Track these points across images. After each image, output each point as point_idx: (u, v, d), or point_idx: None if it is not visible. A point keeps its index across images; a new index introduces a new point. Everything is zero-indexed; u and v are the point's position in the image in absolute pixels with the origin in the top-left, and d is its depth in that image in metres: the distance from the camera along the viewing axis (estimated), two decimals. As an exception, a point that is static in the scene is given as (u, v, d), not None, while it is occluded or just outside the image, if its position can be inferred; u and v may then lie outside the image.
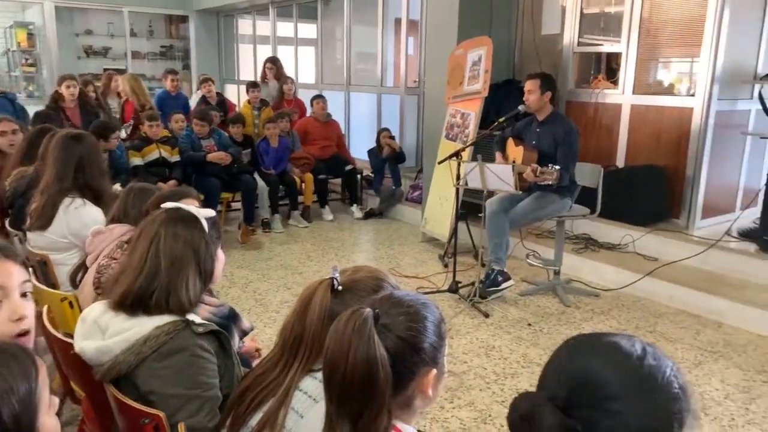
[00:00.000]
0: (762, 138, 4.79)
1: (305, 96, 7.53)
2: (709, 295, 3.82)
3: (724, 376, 3.09)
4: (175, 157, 5.42)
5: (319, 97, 6.56)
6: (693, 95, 4.58)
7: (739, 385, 3.00)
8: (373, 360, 0.98)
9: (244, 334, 1.81)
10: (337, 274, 1.24)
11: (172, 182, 5.15)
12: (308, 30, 8.71)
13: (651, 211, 4.71)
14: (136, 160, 5.25)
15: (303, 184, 6.06)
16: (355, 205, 6.41)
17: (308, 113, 7.22)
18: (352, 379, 0.98)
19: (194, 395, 1.38)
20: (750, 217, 4.56)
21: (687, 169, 4.63)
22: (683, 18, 4.63)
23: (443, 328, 1.11)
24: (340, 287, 1.23)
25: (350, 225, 6.13)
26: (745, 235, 4.38)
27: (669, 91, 4.93)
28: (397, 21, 7.27)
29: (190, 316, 1.44)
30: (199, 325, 1.42)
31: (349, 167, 6.48)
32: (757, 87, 4.64)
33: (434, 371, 1.07)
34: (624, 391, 0.82)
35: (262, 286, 4.33)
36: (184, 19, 10.35)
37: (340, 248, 5.32)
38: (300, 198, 6.09)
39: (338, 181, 6.77)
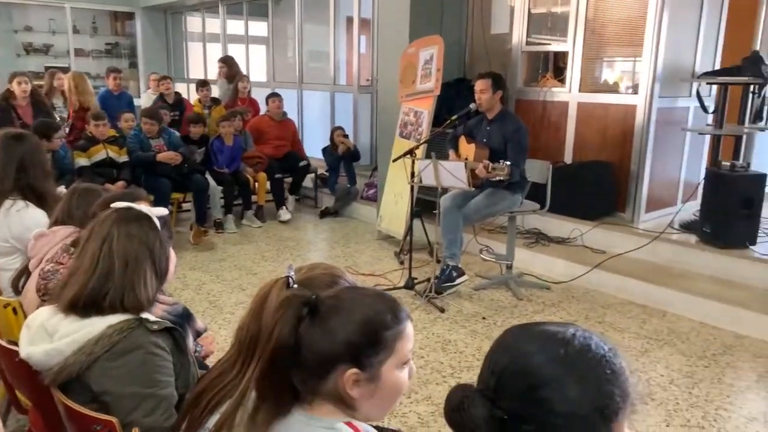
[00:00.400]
0: (700, 134, 5.01)
1: (257, 94, 7.45)
2: (654, 286, 3.97)
3: (669, 362, 3.22)
4: (124, 158, 5.28)
5: (275, 95, 6.49)
6: (636, 93, 4.74)
7: (682, 370, 3.13)
8: (290, 344, 1.04)
9: (197, 334, 1.79)
10: (293, 273, 1.24)
11: (120, 183, 5.01)
12: (259, 28, 8.62)
13: (598, 206, 4.86)
14: (82, 161, 5.08)
15: (256, 184, 6.00)
16: (283, 207, 6.11)
17: (262, 112, 7.16)
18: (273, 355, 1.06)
19: (149, 394, 1.35)
20: (690, 210, 4.76)
21: (631, 165, 4.79)
22: (625, 18, 4.79)
23: (384, 335, 1.05)
24: (295, 285, 1.23)
25: (305, 224, 6.10)
26: (686, 227, 4.57)
27: (613, 89, 5.09)
28: (349, 19, 7.27)
29: (144, 314, 1.41)
30: (154, 322, 1.40)
31: (302, 163, 6.44)
32: (695, 85, 4.85)
33: (354, 371, 1.03)
34: (549, 379, 0.80)
35: (215, 287, 4.26)
36: (130, 15, 10.07)
37: (296, 248, 5.29)
38: (253, 197, 6.02)
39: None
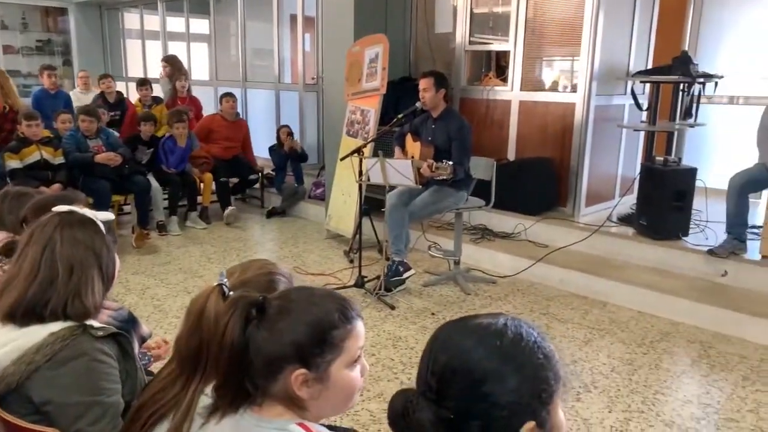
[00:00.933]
0: (635, 130, 5.22)
1: (199, 93, 7.30)
2: (595, 277, 4.12)
3: (610, 350, 3.35)
4: (59, 159, 5.06)
5: (229, 95, 6.36)
6: (575, 91, 4.90)
7: (623, 358, 3.27)
8: (236, 343, 1.04)
9: (142, 340, 1.74)
10: (225, 280, 1.22)
11: (56, 186, 4.81)
12: (200, 25, 8.43)
13: (540, 201, 5.00)
14: (14, 163, 4.85)
15: (201, 184, 5.88)
16: (193, 212, 5.80)
17: (203, 111, 7.03)
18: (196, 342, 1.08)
19: (96, 401, 1.31)
20: (627, 204, 4.96)
21: (571, 161, 4.95)
22: (563, 19, 4.94)
23: (332, 335, 1.05)
24: (231, 292, 1.22)
25: (252, 225, 6.02)
26: (624, 220, 4.76)
27: (553, 87, 5.24)
28: (293, 17, 7.20)
29: (89, 321, 1.37)
30: (98, 328, 1.36)
31: (253, 176, 6.35)
32: (629, 83, 5.05)
33: (302, 371, 1.02)
34: (489, 371, 0.82)
35: (160, 291, 4.16)
36: (62, 11, 9.65)
37: (242, 249, 5.21)
38: (199, 198, 5.90)
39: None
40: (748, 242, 4.01)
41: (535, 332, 0.88)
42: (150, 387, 1.25)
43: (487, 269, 4.58)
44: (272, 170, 6.53)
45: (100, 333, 1.35)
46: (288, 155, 6.23)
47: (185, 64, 7.80)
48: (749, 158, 4.07)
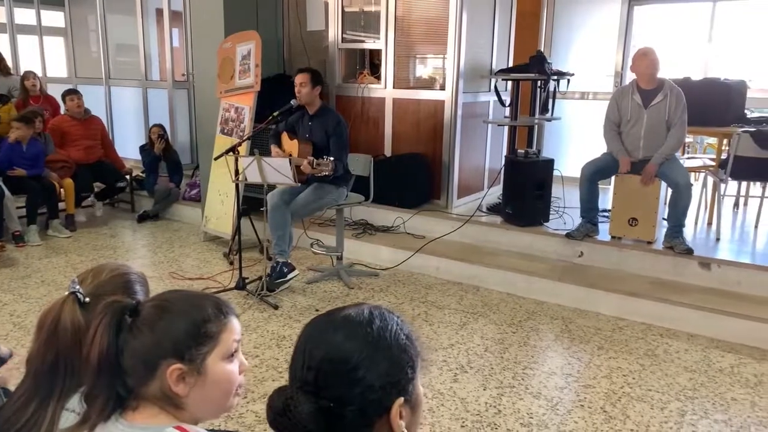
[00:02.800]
0: (499, 125, 5.58)
1: (57, 91, 6.77)
2: (467, 264, 4.37)
3: (484, 332, 3.58)
4: None
5: (72, 92, 5.91)
6: (443, 89, 5.14)
7: (495, 338, 3.50)
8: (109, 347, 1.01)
9: (2, 361, 1.63)
10: (78, 287, 1.18)
11: None
12: (54, 18, 7.80)
13: (417, 195, 5.20)
14: None
15: (62, 191, 5.46)
16: (55, 220, 5.38)
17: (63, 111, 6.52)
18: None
19: None
20: (495, 194, 5.30)
21: (443, 156, 5.19)
22: (430, 18, 5.15)
23: (207, 327, 1.06)
24: (87, 299, 1.18)
25: (122, 230, 5.70)
26: (492, 209, 5.08)
27: (424, 85, 5.45)
28: (159, 11, 6.88)
29: None
30: None
31: (121, 183, 6.02)
32: (493, 81, 5.38)
33: (178, 366, 1.03)
34: (362, 358, 0.88)
35: (20, 307, 3.83)
36: None
37: (112, 256, 4.92)
38: (61, 205, 5.48)
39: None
40: (600, 225, 4.43)
41: (395, 317, 0.96)
42: (2, 411, 1.17)
43: (369, 263, 4.69)
44: (142, 172, 6.22)
45: None
46: (159, 156, 5.97)
47: (37, 60, 7.18)
48: (599, 147, 4.50)
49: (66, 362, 1.13)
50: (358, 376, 0.87)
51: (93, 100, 6.25)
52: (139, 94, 7.04)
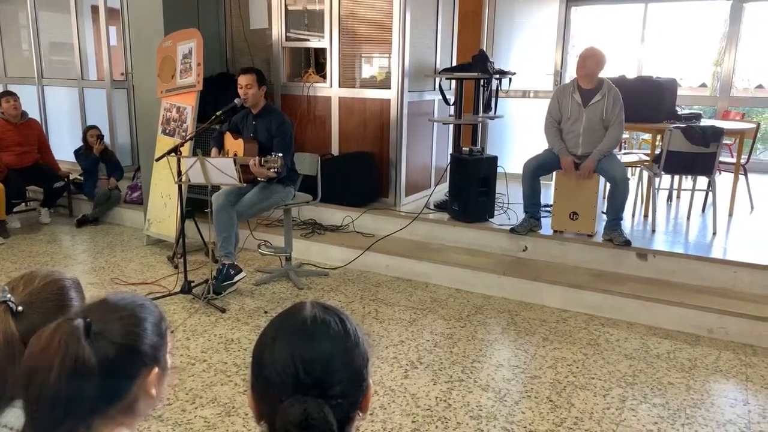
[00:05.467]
0: (444, 123, 5.65)
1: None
2: (416, 261, 4.41)
3: (433, 327, 3.62)
4: None
5: (9, 93, 5.64)
6: (389, 88, 5.16)
7: (444, 333, 3.55)
8: (82, 372, 0.94)
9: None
10: (9, 296, 1.14)
11: None
12: (-20, 14, 7.42)
13: (365, 193, 5.21)
14: None
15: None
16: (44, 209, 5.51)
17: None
18: (58, 394, 0.93)
19: None
20: (441, 191, 5.37)
21: (390, 154, 5.22)
22: (375, 18, 5.16)
23: (163, 326, 1.09)
24: (20, 308, 1.14)
25: (60, 236, 5.48)
26: (439, 206, 5.14)
27: (370, 84, 5.46)
28: (94, 8, 6.64)
29: None
30: None
31: (58, 184, 5.79)
32: (437, 80, 5.44)
33: (156, 370, 1.05)
34: (352, 351, 0.94)
35: (-51, 319, 3.63)
36: None
37: (50, 263, 4.73)
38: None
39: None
40: (542, 219, 4.56)
41: (345, 312, 1.01)
42: None
43: (318, 262, 4.67)
44: (80, 175, 5.99)
45: None
46: (98, 157, 5.78)
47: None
48: (541, 144, 4.62)
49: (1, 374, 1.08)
50: (355, 367, 0.93)
51: (25, 100, 5.96)
52: (74, 94, 6.78)
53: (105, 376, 0.96)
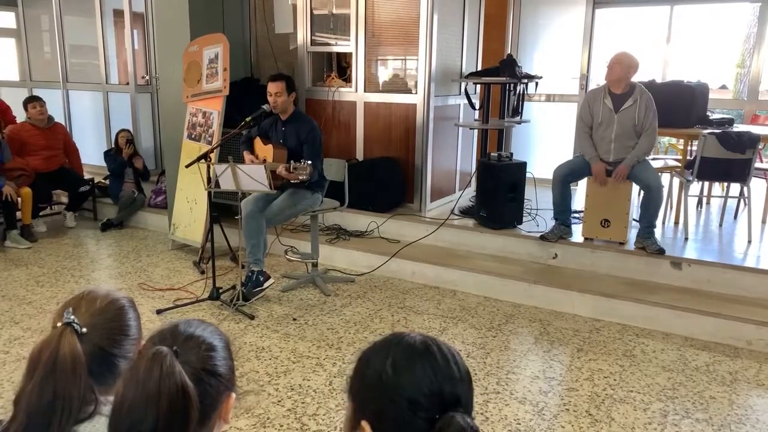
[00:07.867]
0: (471, 128, 5.60)
1: (9, 95, 6.49)
2: (443, 268, 4.36)
3: (464, 337, 3.57)
4: None
5: (35, 99, 5.67)
6: (415, 92, 5.12)
7: (476, 342, 3.50)
8: (188, 398, 0.95)
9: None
10: (72, 317, 1.13)
11: None
12: (5, 19, 7.48)
13: (390, 199, 5.17)
14: None
15: (20, 200, 5.23)
16: (13, 231, 5.20)
17: (16, 116, 6.26)
18: (165, 424, 0.93)
19: None
20: (467, 197, 5.31)
21: (416, 159, 5.17)
22: (401, 21, 5.11)
23: (232, 350, 1.10)
24: (84, 329, 1.13)
25: (85, 240, 5.50)
26: (465, 212, 5.09)
27: (395, 88, 5.42)
28: (118, 12, 6.66)
29: None
30: None
31: (84, 188, 5.81)
32: (463, 84, 5.39)
33: (233, 395, 1.06)
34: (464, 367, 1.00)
35: (-20, 325, 3.65)
36: None
37: (77, 268, 4.74)
38: (18, 215, 5.25)
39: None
40: (573, 226, 4.49)
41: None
42: None
43: (344, 268, 4.64)
44: (104, 178, 6.02)
45: None
46: (127, 161, 5.81)
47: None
48: (566, 149, 4.55)
49: (64, 398, 1.06)
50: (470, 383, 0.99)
51: (50, 104, 6.00)
52: (98, 97, 6.81)
53: (199, 403, 0.97)
